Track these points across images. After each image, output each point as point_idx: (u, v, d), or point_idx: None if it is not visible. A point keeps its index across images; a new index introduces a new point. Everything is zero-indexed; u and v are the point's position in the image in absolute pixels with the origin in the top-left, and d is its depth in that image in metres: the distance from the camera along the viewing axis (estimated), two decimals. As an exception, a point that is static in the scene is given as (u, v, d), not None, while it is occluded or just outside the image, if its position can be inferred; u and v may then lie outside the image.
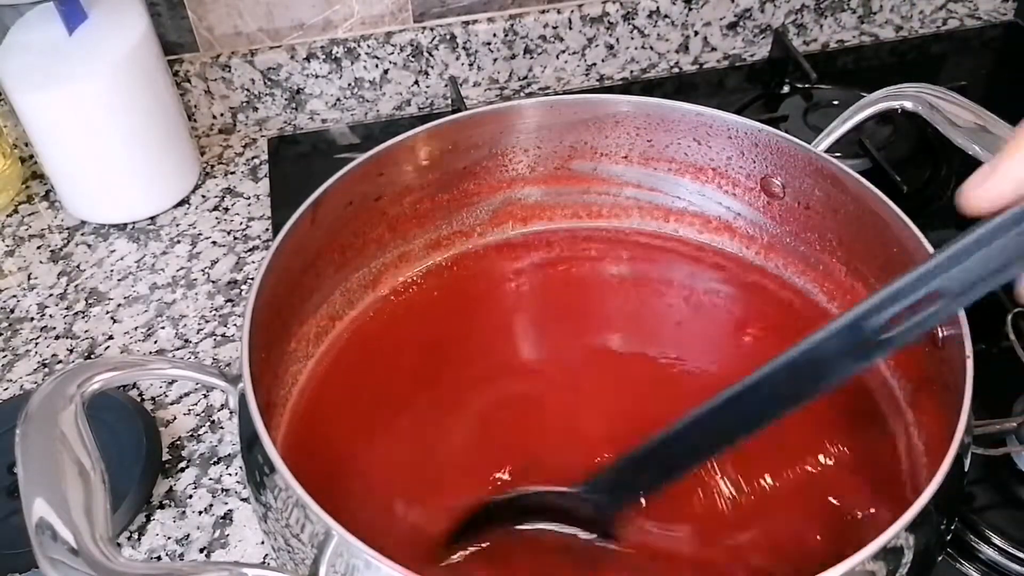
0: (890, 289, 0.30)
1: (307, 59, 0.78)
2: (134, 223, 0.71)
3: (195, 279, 0.66)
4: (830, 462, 0.47)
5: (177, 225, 0.71)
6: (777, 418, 0.34)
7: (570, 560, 0.42)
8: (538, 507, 0.43)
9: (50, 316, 0.64)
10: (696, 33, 0.85)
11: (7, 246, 0.70)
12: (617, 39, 0.83)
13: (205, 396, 0.58)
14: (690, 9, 0.83)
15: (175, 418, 0.57)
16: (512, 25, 0.80)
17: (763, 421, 0.35)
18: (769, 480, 0.46)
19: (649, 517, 0.42)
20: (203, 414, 0.57)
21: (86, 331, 0.63)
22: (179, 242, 0.69)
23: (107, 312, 0.64)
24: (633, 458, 0.39)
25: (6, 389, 0.59)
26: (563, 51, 0.83)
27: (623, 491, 0.41)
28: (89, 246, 0.70)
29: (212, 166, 0.76)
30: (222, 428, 0.56)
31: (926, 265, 0.30)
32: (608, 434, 0.49)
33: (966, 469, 0.39)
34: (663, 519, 0.43)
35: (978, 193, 0.29)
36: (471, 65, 0.82)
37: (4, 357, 0.61)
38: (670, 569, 0.42)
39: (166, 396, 0.58)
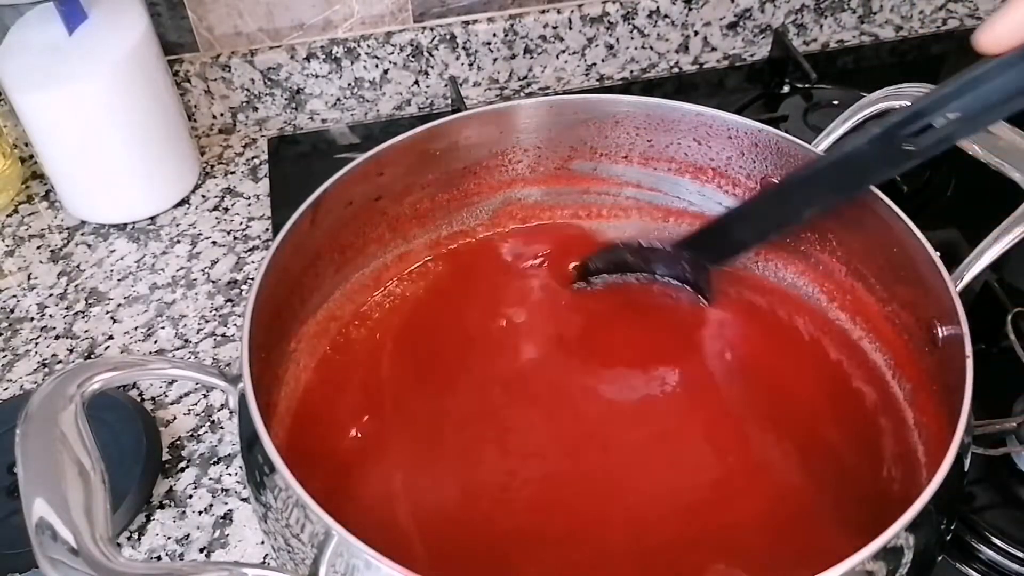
0: (917, 107, 0.34)
1: (307, 59, 0.78)
2: (134, 223, 0.71)
3: (195, 279, 0.66)
4: (830, 461, 0.47)
5: (177, 225, 0.71)
6: (823, 209, 0.40)
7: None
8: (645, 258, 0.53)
9: (50, 316, 0.64)
10: (696, 33, 0.85)
11: (7, 246, 0.70)
12: (617, 39, 0.83)
13: (205, 396, 0.58)
14: (690, 9, 0.83)
15: (175, 418, 0.57)
16: (512, 25, 0.80)
17: (813, 208, 0.41)
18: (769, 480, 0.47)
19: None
20: (203, 414, 0.57)
21: (86, 331, 0.63)
22: (179, 242, 0.69)
23: (107, 312, 0.64)
24: (709, 230, 0.47)
25: (6, 389, 0.59)
26: (563, 51, 0.83)
27: (707, 253, 0.50)
28: (89, 246, 0.70)
29: (212, 166, 0.76)
30: (222, 428, 0.56)
31: (946, 89, 0.33)
32: (608, 432, 0.49)
33: (966, 469, 0.39)
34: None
35: (987, 35, 0.32)
36: (471, 65, 0.82)
37: (4, 357, 0.61)
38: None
39: (166, 396, 0.58)
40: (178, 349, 0.61)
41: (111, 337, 0.62)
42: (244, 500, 0.52)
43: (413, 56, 0.80)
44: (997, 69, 0.32)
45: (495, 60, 0.82)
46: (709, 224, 0.52)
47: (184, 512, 0.52)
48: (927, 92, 0.38)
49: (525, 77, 0.84)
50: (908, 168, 0.37)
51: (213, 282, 0.66)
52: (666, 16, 0.83)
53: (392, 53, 0.79)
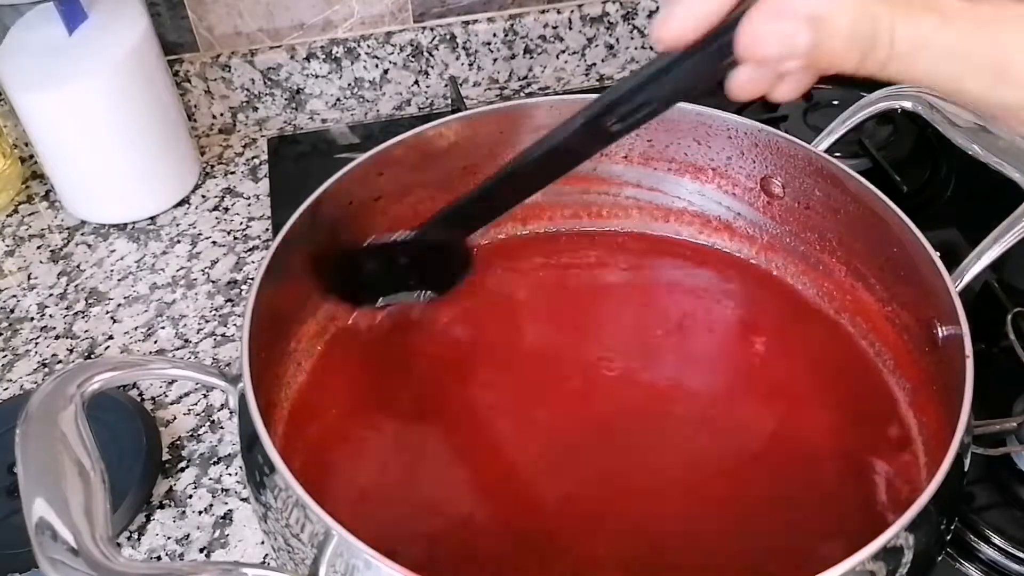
0: (612, 97, 0.37)
1: (307, 59, 0.78)
2: (134, 223, 0.71)
3: (195, 279, 0.66)
4: (830, 461, 0.47)
5: (177, 225, 0.71)
6: (553, 179, 0.43)
7: None
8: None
9: (50, 316, 0.64)
10: (696, 33, 0.85)
11: (7, 246, 0.70)
12: (617, 39, 0.83)
13: (205, 396, 0.58)
14: (690, 9, 0.83)
15: (175, 418, 0.57)
16: (512, 25, 0.80)
17: (545, 181, 0.43)
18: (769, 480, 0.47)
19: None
20: (203, 414, 0.57)
21: (86, 331, 0.63)
22: (179, 242, 0.69)
23: (107, 312, 0.64)
24: (460, 205, 0.46)
25: (6, 389, 0.59)
26: (563, 51, 0.83)
27: (458, 227, 0.48)
28: (89, 246, 0.70)
29: (212, 166, 0.76)
30: (222, 428, 0.56)
31: (635, 81, 0.36)
32: (609, 429, 0.49)
33: (966, 469, 0.39)
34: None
35: (664, 32, 0.33)
36: (471, 65, 0.82)
37: (4, 357, 0.61)
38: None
39: (166, 396, 0.58)
40: (178, 349, 0.61)
41: (111, 337, 0.62)
42: (244, 500, 0.52)
43: (413, 56, 0.80)
44: (679, 61, 0.34)
45: (495, 60, 0.82)
46: (443, 210, 0.48)
47: (184, 512, 0.52)
48: (616, 83, 0.41)
49: (525, 77, 0.84)
50: (619, 140, 0.40)
51: (213, 282, 0.66)
52: (666, 16, 0.83)
53: (392, 53, 0.79)
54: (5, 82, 0.65)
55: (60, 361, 0.61)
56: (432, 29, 0.79)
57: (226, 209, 0.72)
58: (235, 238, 0.69)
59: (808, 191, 0.53)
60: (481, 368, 0.53)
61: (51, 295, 0.65)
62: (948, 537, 0.39)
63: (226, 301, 0.64)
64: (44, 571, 0.32)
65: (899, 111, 0.53)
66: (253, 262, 0.67)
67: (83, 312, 0.64)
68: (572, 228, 0.60)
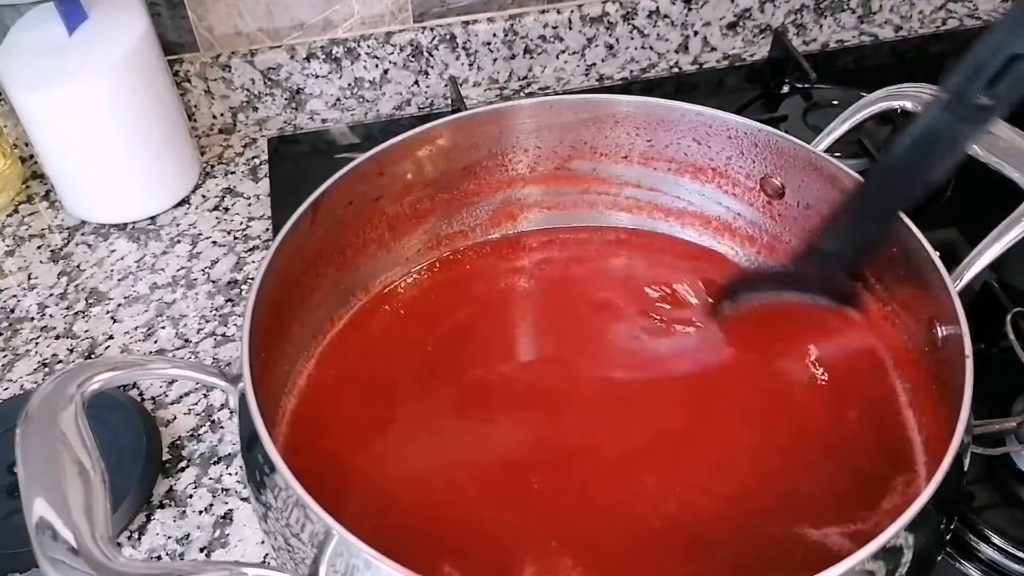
0: (970, 62, 0.32)
1: (307, 59, 0.78)
2: (134, 223, 0.71)
3: (195, 279, 0.66)
4: (829, 461, 0.47)
5: (177, 225, 0.71)
6: (932, 185, 0.39)
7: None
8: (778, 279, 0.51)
9: (50, 316, 0.64)
10: (696, 33, 0.85)
11: (7, 246, 0.70)
12: (617, 39, 0.83)
13: (205, 396, 0.58)
14: (690, 9, 0.83)
15: (175, 418, 0.57)
16: (512, 25, 0.80)
17: (918, 190, 0.40)
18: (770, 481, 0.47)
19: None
20: (203, 414, 0.57)
21: (86, 331, 0.63)
22: (179, 242, 0.69)
23: (107, 312, 0.64)
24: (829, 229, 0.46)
25: (6, 389, 0.59)
26: (563, 51, 0.83)
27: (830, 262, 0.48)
28: (89, 246, 0.70)
29: (212, 166, 0.76)
30: (222, 428, 0.56)
31: (995, 36, 0.31)
32: (612, 426, 0.49)
33: (966, 469, 0.39)
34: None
35: None
36: (471, 65, 0.82)
37: (4, 357, 0.61)
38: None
39: (166, 396, 0.58)
40: (178, 349, 0.61)
41: (111, 337, 0.62)
42: (244, 500, 0.52)
43: (413, 56, 0.80)
44: None
45: (495, 60, 0.82)
46: (827, 223, 0.49)
47: (184, 512, 0.52)
48: (982, 40, 0.35)
49: (525, 77, 0.84)
50: (991, 122, 0.35)
51: (213, 282, 0.66)
52: (666, 16, 0.83)
53: (392, 53, 0.79)
54: (5, 82, 0.65)
55: (60, 361, 0.61)
56: (432, 29, 0.79)
57: (226, 209, 0.72)
58: (235, 238, 0.69)
59: (808, 191, 0.53)
60: (480, 369, 0.53)
61: (51, 295, 0.66)
62: (948, 537, 0.39)
63: (226, 301, 0.64)
64: (44, 571, 0.32)
65: (899, 111, 0.53)
66: (253, 262, 0.67)
67: (83, 312, 0.64)
68: (572, 227, 0.60)
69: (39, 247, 0.70)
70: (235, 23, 0.76)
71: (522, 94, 0.83)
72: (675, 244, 0.59)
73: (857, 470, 0.46)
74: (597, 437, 0.49)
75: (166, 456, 0.55)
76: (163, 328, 0.63)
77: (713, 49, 0.86)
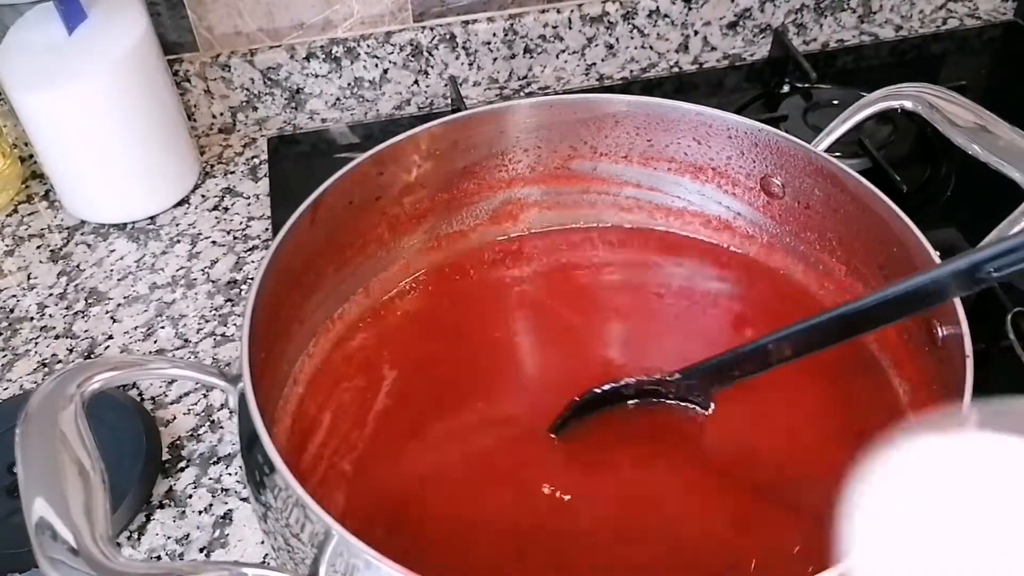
0: (1008, 245, 0.33)
1: (307, 59, 0.78)
2: (134, 223, 0.71)
3: (195, 279, 0.66)
4: (829, 458, 0.47)
5: (177, 225, 0.71)
6: (881, 327, 0.40)
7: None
8: (636, 393, 0.49)
9: (50, 316, 0.64)
10: (696, 33, 0.85)
11: (7, 246, 0.70)
12: (617, 39, 0.83)
13: (205, 396, 0.58)
14: (690, 9, 0.83)
15: (175, 418, 0.57)
16: (512, 25, 0.80)
17: (870, 328, 0.41)
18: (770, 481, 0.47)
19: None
20: (203, 414, 0.57)
21: (86, 331, 0.63)
22: (179, 242, 0.69)
23: (107, 312, 0.64)
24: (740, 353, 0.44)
25: (6, 389, 0.59)
26: (563, 51, 0.83)
27: (715, 381, 0.47)
28: (89, 246, 0.70)
29: (212, 166, 0.76)
30: (222, 428, 0.56)
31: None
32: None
33: (966, 469, 0.39)
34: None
35: None
36: (471, 65, 0.82)
37: (4, 357, 0.61)
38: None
39: (166, 396, 0.58)
40: (178, 349, 0.61)
41: (111, 337, 0.62)
42: (244, 500, 0.52)
43: (413, 56, 0.80)
44: None
45: (495, 60, 0.82)
46: (740, 349, 0.46)
47: (184, 512, 0.52)
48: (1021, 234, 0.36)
49: (525, 77, 0.84)
50: (978, 291, 0.36)
51: (213, 282, 0.66)
52: (666, 16, 0.83)
53: (392, 53, 0.79)
54: (5, 82, 0.65)
55: (60, 361, 0.61)
56: (432, 29, 0.79)
57: (226, 209, 0.72)
58: (235, 238, 0.69)
59: (808, 191, 0.53)
60: (480, 369, 0.53)
61: (51, 295, 0.65)
62: (948, 537, 0.39)
63: (226, 301, 0.64)
64: (44, 571, 0.32)
65: (899, 111, 0.53)
66: (253, 262, 0.67)
67: (83, 312, 0.64)
68: (572, 227, 0.60)
69: (39, 247, 0.70)
70: (235, 23, 0.76)
71: (522, 94, 0.82)
72: (675, 243, 0.59)
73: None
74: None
75: (166, 456, 0.55)
76: (163, 328, 0.63)
77: (713, 49, 0.86)
